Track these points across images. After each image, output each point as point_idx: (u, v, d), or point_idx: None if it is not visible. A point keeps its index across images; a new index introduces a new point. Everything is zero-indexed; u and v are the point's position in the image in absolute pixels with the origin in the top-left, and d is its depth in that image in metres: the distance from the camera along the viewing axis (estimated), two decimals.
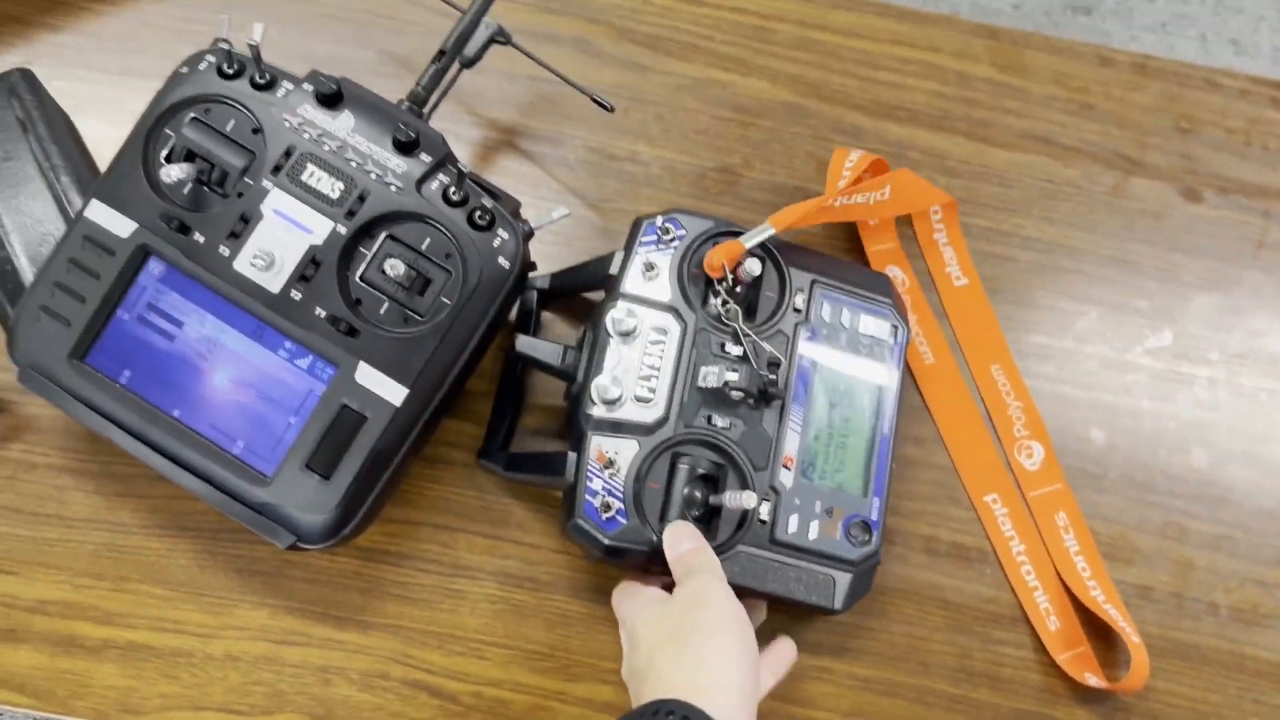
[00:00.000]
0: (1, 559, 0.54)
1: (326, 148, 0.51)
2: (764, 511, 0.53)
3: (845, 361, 0.56)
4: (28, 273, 0.56)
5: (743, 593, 0.53)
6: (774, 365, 0.53)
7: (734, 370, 0.52)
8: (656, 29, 0.67)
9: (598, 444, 0.52)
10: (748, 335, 0.54)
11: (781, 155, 0.65)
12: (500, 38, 0.58)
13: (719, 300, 0.55)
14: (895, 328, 0.58)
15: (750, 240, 0.55)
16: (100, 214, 0.50)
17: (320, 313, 0.50)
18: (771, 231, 0.56)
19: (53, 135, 0.59)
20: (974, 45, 0.69)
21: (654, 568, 0.52)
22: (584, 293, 0.61)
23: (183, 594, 0.54)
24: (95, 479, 0.55)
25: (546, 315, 0.61)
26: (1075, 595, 0.59)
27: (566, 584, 0.57)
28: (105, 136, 0.61)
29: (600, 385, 0.52)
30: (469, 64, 0.58)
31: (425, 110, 0.56)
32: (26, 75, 0.60)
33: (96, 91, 0.62)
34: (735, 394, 0.53)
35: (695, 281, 0.55)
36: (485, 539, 0.57)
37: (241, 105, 0.51)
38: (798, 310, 0.56)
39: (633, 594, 0.51)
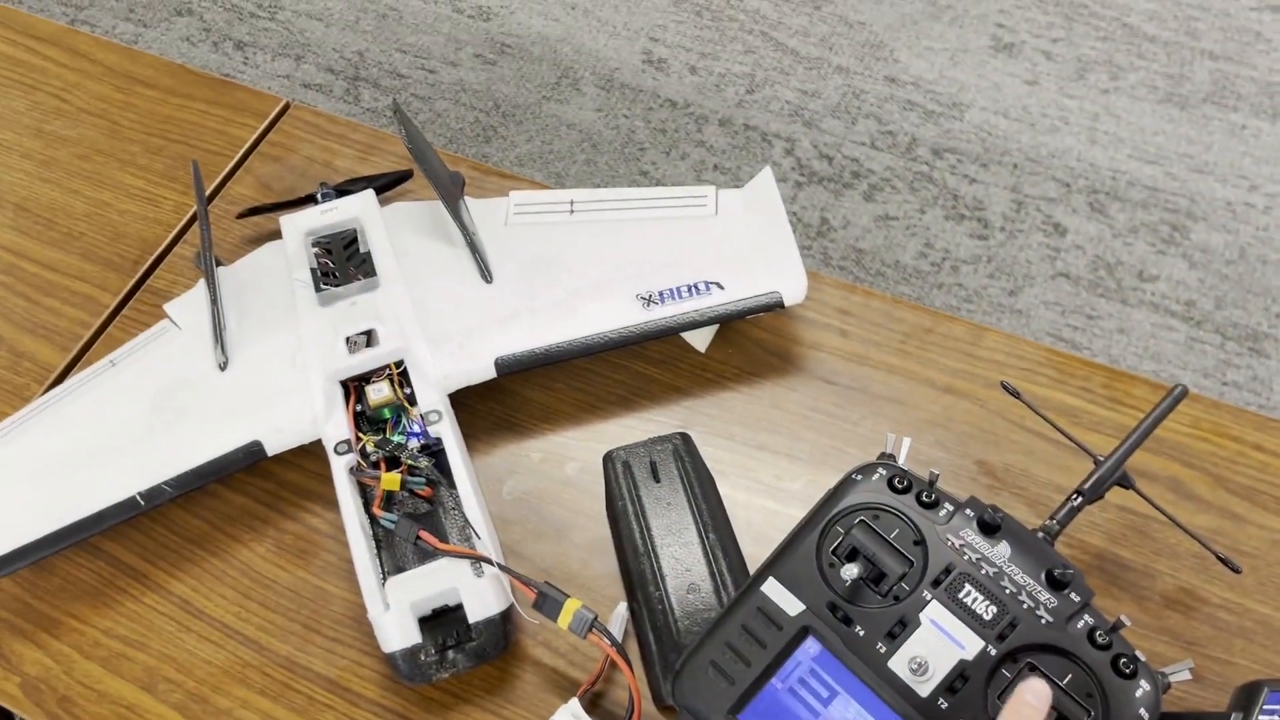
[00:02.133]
0: None
1: (984, 572, 0.57)
2: None
3: None
4: (675, 613, 0.65)
5: None
6: None
7: None
8: (1254, 481, 0.69)
9: None
10: None
11: None
12: (1125, 483, 0.63)
13: None
14: None
15: None
16: (775, 591, 0.58)
17: None
18: None
19: (705, 495, 0.69)
20: None
21: None
22: None
23: None
24: None
25: None
26: None
27: None
28: (738, 500, 0.71)
29: None
30: (1092, 500, 0.63)
31: (1054, 541, 0.61)
32: (686, 438, 0.72)
33: (733, 460, 0.73)
34: None
35: None
36: None
37: (907, 518, 0.59)
38: None
39: None
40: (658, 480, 0.70)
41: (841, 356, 0.77)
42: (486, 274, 0.76)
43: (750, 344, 0.78)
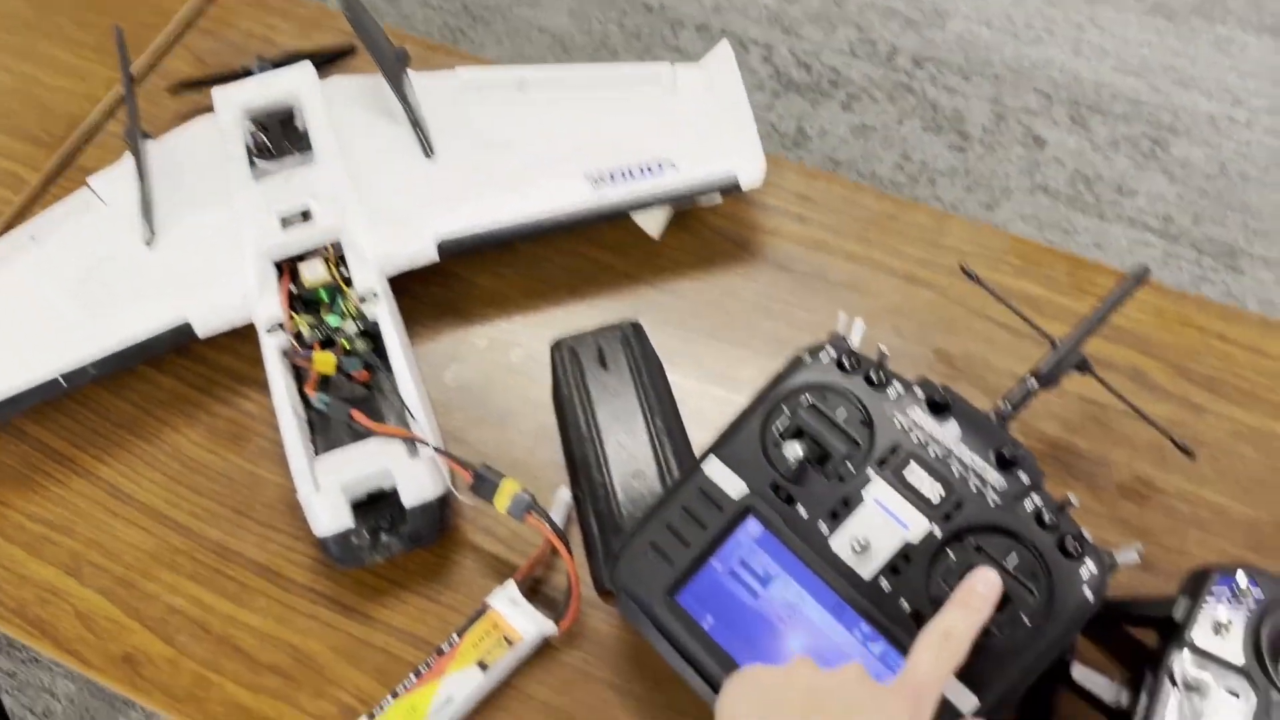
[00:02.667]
0: None
1: (931, 452, 0.55)
2: None
3: None
4: (618, 499, 0.63)
5: None
6: None
7: None
8: (1215, 372, 0.67)
9: None
10: None
11: None
12: (1083, 367, 0.61)
13: None
14: None
15: None
16: (716, 471, 0.56)
17: (905, 606, 0.52)
18: None
19: (654, 383, 0.67)
20: None
21: None
22: (1127, 625, 0.60)
23: None
24: (639, 703, 0.60)
25: None
26: None
27: None
28: (689, 389, 0.69)
29: None
30: (1047, 385, 0.61)
31: (1007, 424, 0.59)
32: (637, 327, 0.69)
33: (685, 348, 0.71)
34: None
35: (1271, 649, 0.53)
36: None
37: (855, 398, 0.56)
38: None
39: None
40: (605, 368, 0.68)
41: (800, 244, 0.74)
42: (429, 151, 0.72)
43: (706, 230, 0.75)
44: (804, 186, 0.76)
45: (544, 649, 0.61)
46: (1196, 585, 0.56)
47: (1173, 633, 0.55)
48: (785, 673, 0.46)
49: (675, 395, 0.68)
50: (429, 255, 0.69)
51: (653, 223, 0.72)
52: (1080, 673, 0.54)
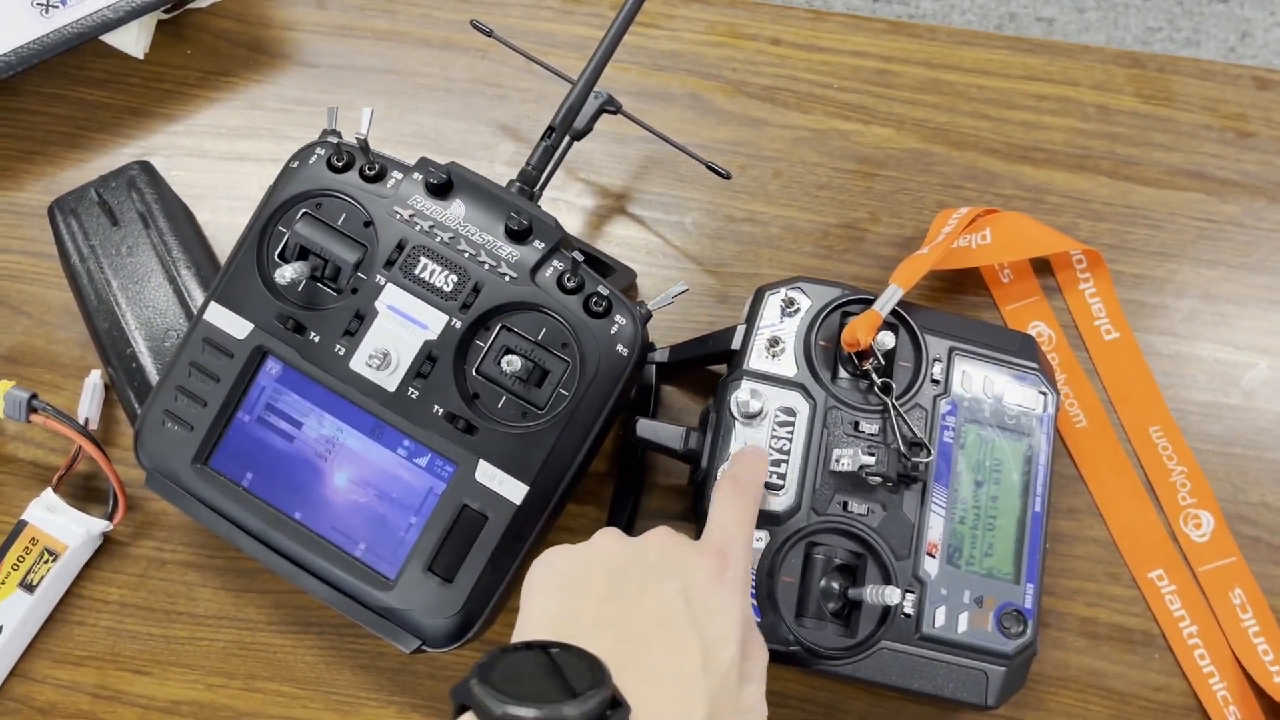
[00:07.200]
0: (136, 659, 0.54)
1: (439, 239, 0.49)
2: (908, 605, 0.49)
3: (990, 436, 0.52)
4: (152, 369, 0.56)
5: (888, 691, 0.50)
6: (917, 447, 0.50)
7: (870, 453, 0.49)
8: (773, 80, 0.64)
9: None
10: (897, 413, 0.50)
11: (909, 207, 0.62)
12: (610, 107, 0.56)
13: (851, 374, 0.52)
14: (1044, 395, 0.53)
15: (885, 307, 0.51)
16: (218, 316, 0.50)
17: (438, 410, 0.48)
18: (901, 294, 0.52)
19: (173, 228, 0.59)
20: (1115, 75, 0.64)
21: (795, 667, 0.49)
22: (706, 366, 0.58)
23: (310, 692, 0.54)
24: (222, 575, 0.55)
25: (667, 389, 0.59)
26: (1257, 681, 0.53)
27: None
28: (223, 224, 0.61)
29: None
30: (579, 136, 0.56)
31: (536, 189, 0.54)
32: (146, 167, 0.60)
33: (213, 179, 0.62)
34: (873, 479, 0.49)
35: (823, 354, 0.52)
36: None
37: (352, 198, 0.50)
38: (936, 381, 0.52)
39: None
40: (115, 223, 0.59)
41: (322, 32, 0.65)
42: None
43: (209, 37, 0.65)
44: None
45: (111, 547, 0.56)
46: (752, 310, 0.54)
47: (733, 363, 0.53)
48: (585, 551, 0.42)
49: (210, 233, 0.60)
50: None
51: (130, 40, 0.62)
52: (644, 427, 0.53)
